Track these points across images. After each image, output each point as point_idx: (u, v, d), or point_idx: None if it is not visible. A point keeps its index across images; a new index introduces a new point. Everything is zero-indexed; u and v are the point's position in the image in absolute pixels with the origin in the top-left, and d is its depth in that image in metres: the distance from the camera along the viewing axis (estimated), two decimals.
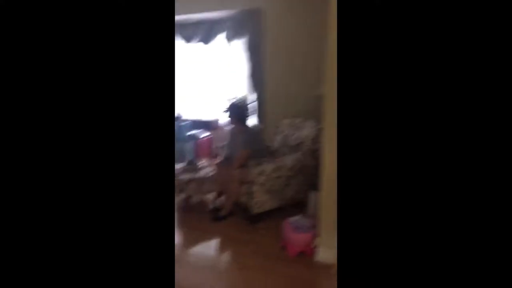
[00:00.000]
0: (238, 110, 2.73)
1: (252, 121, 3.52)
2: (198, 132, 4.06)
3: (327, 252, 1.94)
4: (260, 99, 3.51)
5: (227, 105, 2.79)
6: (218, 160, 2.88)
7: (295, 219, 2.08)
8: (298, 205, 2.54)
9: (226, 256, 2.14)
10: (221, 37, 3.60)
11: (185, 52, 3.97)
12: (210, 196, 2.91)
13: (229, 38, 3.52)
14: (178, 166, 2.94)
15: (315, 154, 2.56)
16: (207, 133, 4.10)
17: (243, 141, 2.64)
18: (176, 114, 3.89)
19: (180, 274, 1.83)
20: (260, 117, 3.55)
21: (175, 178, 2.79)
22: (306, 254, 2.00)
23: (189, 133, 4.01)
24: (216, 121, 4.08)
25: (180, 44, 3.83)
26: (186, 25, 3.73)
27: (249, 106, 3.40)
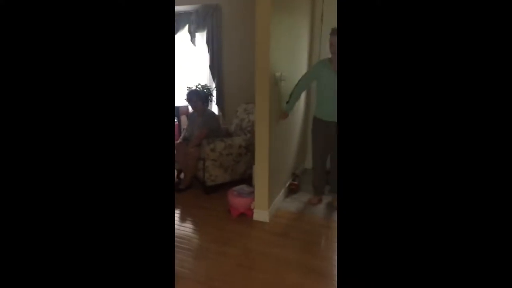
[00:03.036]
0: (197, 96, 3.13)
1: (211, 106, 3.94)
2: None
3: (260, 213, 2.43)
4: (219, 87, 3.91)
5: (188, 91, 3.18)
6: (177, 141, 3.27)
7: (238, 187, 2.55)
8: (247, 179, 3.01)
9: (185, 219, 2.58)
10: (185, 30, 3.92)
11: None
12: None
13: (192, 31, 3.85)
14: None
15: None
16: (175, 119, 4.43)
17: (201, 123, 3.05)
18: None
19: None
20: (219, 103, 3.96)
21: None
22: (247, 215, 2.48)
23: None
24: (185, 107, 4.42)
25: None
26: None
27: (207, 92, 3.81)
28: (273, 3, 2.09)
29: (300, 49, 2.98)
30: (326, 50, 3.26)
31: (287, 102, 2.55)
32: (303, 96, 3.18)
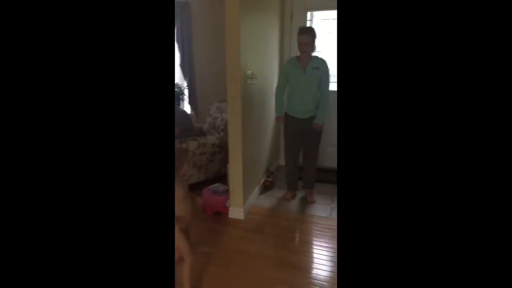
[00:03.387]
0: None
1: (183, 105, 3.89)
2: None
3: (236, 210, 2.44)
4: (190, 86, 3.87)
5: None
6: None
7: (213, 186, 2.55)
8: (222, 178, 3.01)
9: None
10: None
11: None
12: None
13: None
14: None
15: None
16: None
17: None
18: None
19: None
20: (192, 102, 3.92)
21: None
22: (222, 213, 2.48)
23: None
24: None
25: None
26: None
27: (178, 91, 3.76)
28: (242, 2, 2.10)
29: (271, 47, 3.02)
30: (296, 47, 3.33)
31: (275, 109, 2.66)
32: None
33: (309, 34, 2.38)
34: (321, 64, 2.42)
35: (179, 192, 1.52)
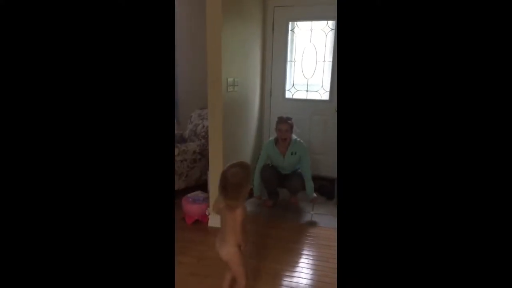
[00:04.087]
0: None
1: None
2: None
3: (216, 218, 2.40)
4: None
5: None
6: None
7: (193, 193, 2.51)
8: (203, 185, 2.97)
9: None
10: None
11: None
12: None
13: None
14: None
15: None
16: None
17: None
18: None
19: None
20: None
21: None
22: (202, 221, 2.44)
23: None
24: None
25: None
26: None
27: None
28: (224, 10, 2.11)
29: (252, 55, 3.04)
30: (278, 56, 3.37)
31: (254, 187, 2.78)
32: (257, 98, 3.24)
33: (287, 123, 2.62)
34: (299, 148, 2.66)
35: (241, 217, 1.50)
